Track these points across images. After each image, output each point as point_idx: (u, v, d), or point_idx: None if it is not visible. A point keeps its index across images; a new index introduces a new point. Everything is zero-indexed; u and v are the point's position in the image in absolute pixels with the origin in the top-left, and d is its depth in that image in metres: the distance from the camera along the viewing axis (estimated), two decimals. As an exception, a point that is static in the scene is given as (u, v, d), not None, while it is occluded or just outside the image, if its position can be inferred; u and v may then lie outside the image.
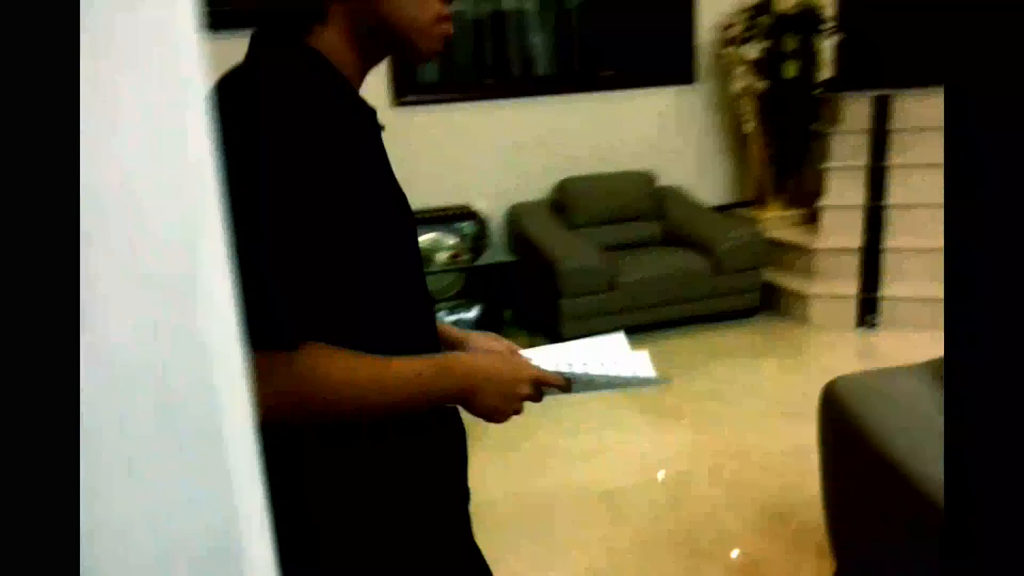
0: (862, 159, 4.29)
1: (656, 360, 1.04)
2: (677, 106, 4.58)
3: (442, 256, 3.83)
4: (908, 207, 4.01)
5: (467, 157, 4.26)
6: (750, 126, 4.42)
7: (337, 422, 0.84)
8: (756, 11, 4.17)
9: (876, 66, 5.10)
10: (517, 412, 0.93)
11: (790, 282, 4.10)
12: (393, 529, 0.90)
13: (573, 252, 3.70)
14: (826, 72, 4.59)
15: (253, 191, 0.72)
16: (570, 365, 1.01)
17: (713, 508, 2.43)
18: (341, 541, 0.88)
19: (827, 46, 4.43)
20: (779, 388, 3.32)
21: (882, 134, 4.29)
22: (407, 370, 0.84)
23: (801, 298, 3.97)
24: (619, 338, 1.09)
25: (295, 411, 0.79)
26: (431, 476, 0.95)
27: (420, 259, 0.97)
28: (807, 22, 4.18)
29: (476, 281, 4.13)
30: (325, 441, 0.85)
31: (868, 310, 3.79)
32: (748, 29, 4.18)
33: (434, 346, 0.96)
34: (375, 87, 3.75)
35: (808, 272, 4.13)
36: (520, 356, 1.00)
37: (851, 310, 3.84)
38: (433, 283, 3.99)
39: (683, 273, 3.85)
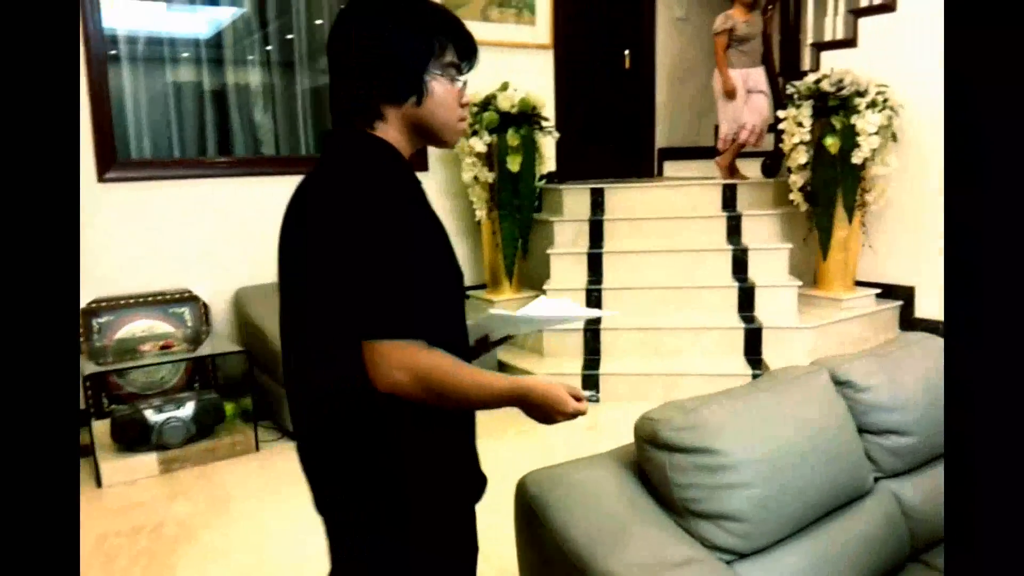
0: (583, 245, 4.64)
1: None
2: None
3: (148, 346, 3.47)
4: (620, 289, 4.38)
5: (187, 237, 3.96)
6: (481, 213, 4.61)
7: (429, 404, 1.15)
8: (481, 107, 4.41)
9: (590, 160, 5.61)
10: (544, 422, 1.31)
11: (521, 361, 4.26)
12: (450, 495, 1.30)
13: (301, 340, 3.53)
14: (548, 166, 4.95)
15: (375, 241, 1.09)
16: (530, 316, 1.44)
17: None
18: (425, 498, 1.23)
19: (549, 142, 4.79)
20: (513, 465, 3.37)
21: (598, 223, 4.68)
22: (492, 378, 1.20)
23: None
24: (545, 300, 1.50)
25: (424, 387, 1.12)
26: (470, 461, 1.39)
27: (463, 286, 1.35)
28: (528, 120, 4.49)
29: (200, 372, 3.80)
30: (416, 424, 1.19)
31: (590, 386, 4.02)
32: (474, 123, 4.39)
33: (465, 350, 1.32)
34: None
35: (538, 351, 4.33)
36: (569, 393, 1.30)
37: (576, 385, 4.05)
38: (142, 377, 3.60)
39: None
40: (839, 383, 1.77)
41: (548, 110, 4.99)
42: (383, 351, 1.10)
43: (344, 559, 1.32)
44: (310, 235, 1.18)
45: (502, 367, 4.26)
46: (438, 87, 1.22)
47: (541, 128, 4.60)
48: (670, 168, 6.11)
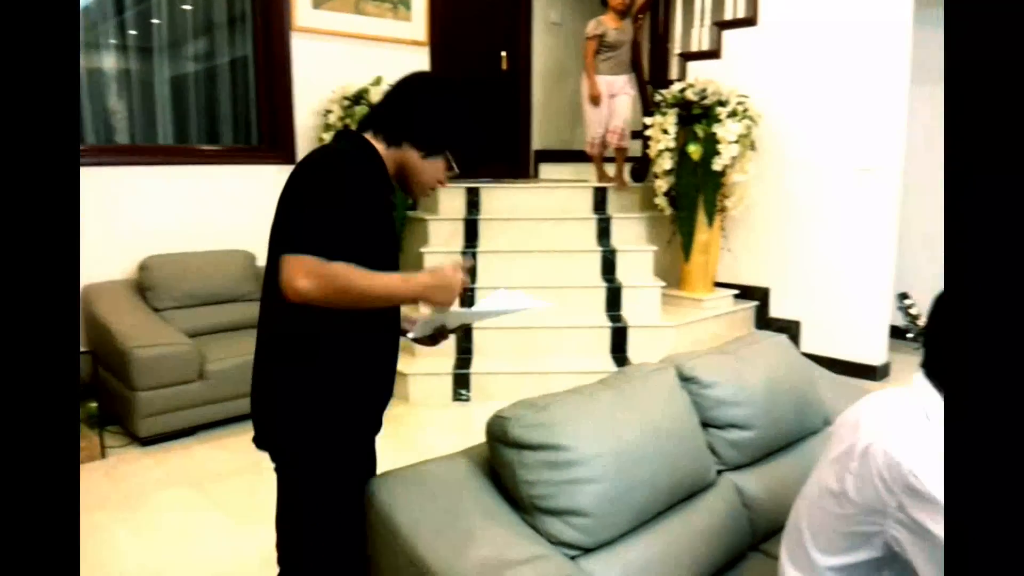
0: (457, 244, 4.62)
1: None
2: (278, 185, 4.49)
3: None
4: (494, 288, 4.38)
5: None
6: (352, 209, 4.50)
7: (346, 306, 1.38)
8: (353, 101, 4.30)
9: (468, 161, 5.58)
10: (449, 303, 1.51)
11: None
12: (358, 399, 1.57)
13: (150, 338, 3.33)
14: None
15: (333, 196, 1.39)
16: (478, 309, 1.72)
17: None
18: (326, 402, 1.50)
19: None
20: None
21: (473, 223, 4.67)
22: (391, 278, 1.43)
23: (403, 377, 4.07)
24: (501, 293, 1.71)
25: (328, 293, 1.33)
26: (383, 373, 1.66)
27: (397, 262, 1.59)
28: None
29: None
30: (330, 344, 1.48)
31: (462, 386, 4.01)
32: (345, 117, 4.28)
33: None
34: None
35: (410, 351, 4.27)
36: (455, 270, 1.50)
37: (447, 386, 4.03)
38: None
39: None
40: (685, 379, 1.83)
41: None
42: (289, 261, 1.34)
43: (282, 482, 1.57)
44: (286, 191, 1.47)
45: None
46: (439, 162, 1.60)
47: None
48: (546, 170, 6.20)
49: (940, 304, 1.29)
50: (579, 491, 1.44)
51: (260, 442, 1.55)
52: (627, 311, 4.44)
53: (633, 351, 4.26)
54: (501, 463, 1.50)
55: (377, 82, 4.38)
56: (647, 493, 1.55)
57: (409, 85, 1.60)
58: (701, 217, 4.64)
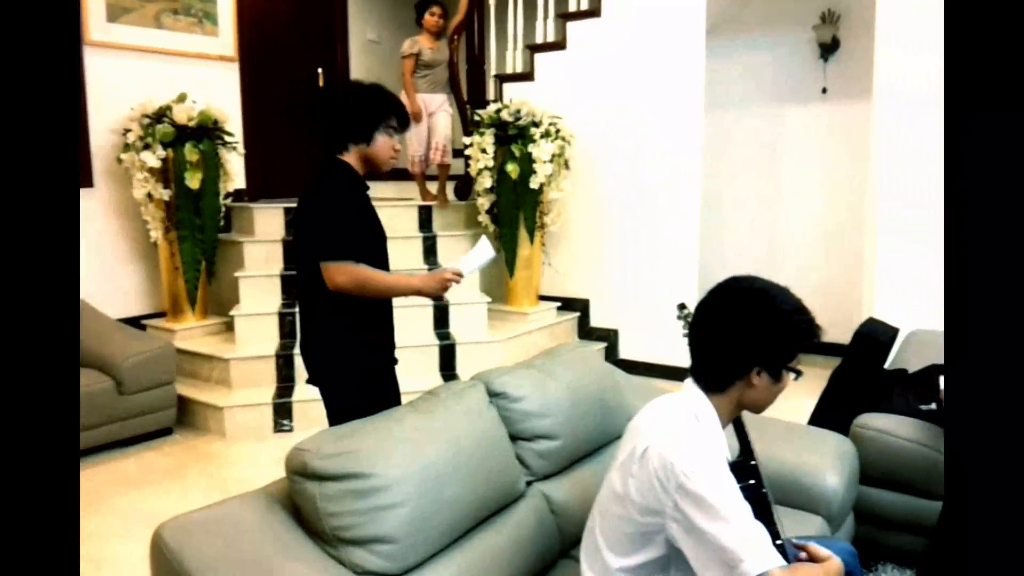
0: (276, 268, 4.45)
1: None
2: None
3: None
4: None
5: None
6: (157, 234, 4.23)
7: (368, 295, 2.15)
8: (155, 119, 4.05)
9: (283, 179, 5.42)
10: (441, 295, 2.33)
11: (208, 395, 3.95)
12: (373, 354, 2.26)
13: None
14: (235, 183, 4.69)
15: (338, 211, 2.11)
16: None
17: None
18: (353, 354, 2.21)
19: (235, 158, 4.53)
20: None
21: (292, 244, 4.52)
22: (398, 278, 2.24)
23: (218, 411, 3.85)
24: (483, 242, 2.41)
25: (358, 286, 2.10)
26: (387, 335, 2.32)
27: (386, 253, 2.30)
28: (209, 134, 4.21)
29: None
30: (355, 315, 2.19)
31: (284, 415, 3.85)
32: (145, 136, 4.02)
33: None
34: None
35: (226, 383, 4.05)
36: (441, 271, 2.27)
37: (267, 417, 3.86)
38: None
39: (83, 395, 3.39)
40: (495, 395, 1.86)
41: (234, 125, 4.73)
42: (329, 267, 2.09)
43: (331, 402, 2.26)
44: (303, 221, 2.18)
45: (183, 401, 3.92)
46: (380, 138, 2.19)
47: (224, 143, 4.35)
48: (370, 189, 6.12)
49: (701, 314, 1.40)
50: (383, 518, 1.42)
51: (313, 380, 2.27)
52: (455, 328, 4.47)
53: (462, 367, 4.29)
54: (302, 497, 1.45)
55: (181, 99, 4.14)
56: (455, 512, 1.56)
57: (332, 102, 2.28)
58: (523, 233, 4.76)
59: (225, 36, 4.95)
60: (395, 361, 2.35)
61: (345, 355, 2.18)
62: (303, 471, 1.44)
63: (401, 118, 2.22)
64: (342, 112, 2.17)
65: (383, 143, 2.17)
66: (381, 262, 2.25)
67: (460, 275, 2.27)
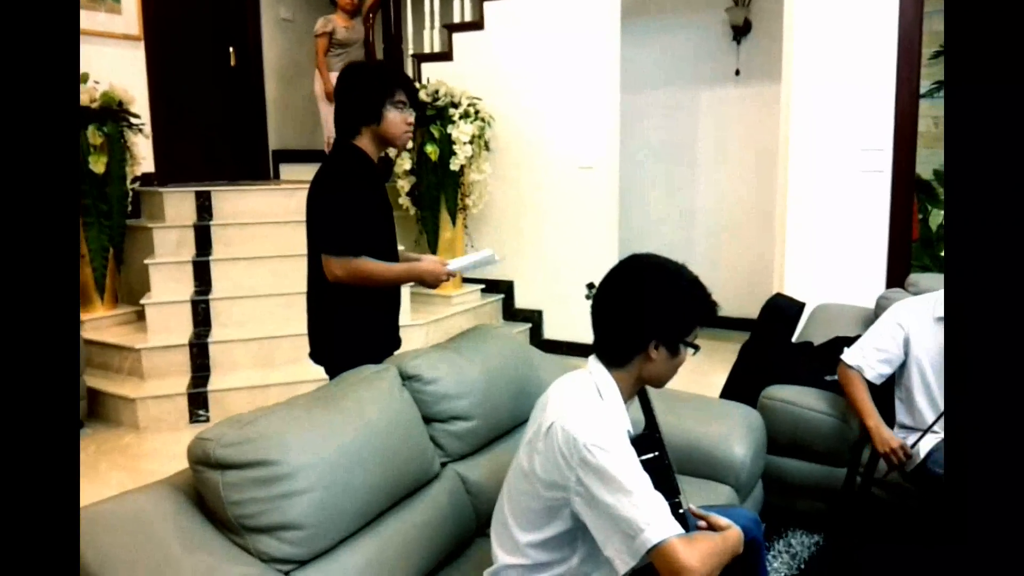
0: (188, 254, 4.30)
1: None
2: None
3: None
4: (232, 298, 4.16)
5: None
6: (59, 221, 4.03)
7: (368, 285, 2.15)
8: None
9: (195, 162, 5.25)
10: (435, 286, 2.27)
11: (119, 387, 3.81)
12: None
13: None
14: (144, 167, 4.52)
15: (339, 203, 2.11)
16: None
17: None
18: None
19: (142, 141, 4.36)
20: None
21: (205, 229, 4.38)
22: (393, 268, 2.20)
23: (130, 402, 3.72)
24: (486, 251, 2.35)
25: (355, 279, 2.11)
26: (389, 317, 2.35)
27: (394, 236, 2.32)
28: (114, 116, 4.03)
29: None
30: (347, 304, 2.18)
31: (199, 406, 3.75)
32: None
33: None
34: None
35: (138, 374, 3.92)
36: (439, 264, 2.24)
37: (182, 408, 3.75)
38: None
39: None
40: (408, 378, 1.86)
41: (141, 107, 4.54)
42: (329, 260, 2.10)
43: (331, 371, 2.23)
44: (308, 206, 2.18)
45: (93, 393, 3.78)
46: (390, 114, 2.15)
47: (131, 126, 4.17)
48: (287, 171, 5.99)
49: (602, 292, 1.42)
50: (290, 504, 1.40)
51: (315, 357, 2.31)
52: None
53: (383, 352, 4.25)
54: (205, 487, 1.42)
55: (83, 79, 3.95)
56: (366, 495, 1.55)
57: (340, 85, 2.20)
58: (444, 216, 4.74)
59: (129, 14, 4.74)
60: (398, 343, 2.36)
61: (346, 336, 2.18)
62: (205, 460, 1.41)
63: (410, 92, 2.18)
64: (347, 95, 2.15)
65: (393, 118, 2.14)
66: (385, 250, 2.22)
67: (452, 274, 2.25)
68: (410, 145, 4.54)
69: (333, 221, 2.09)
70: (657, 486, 1.32)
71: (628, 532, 1.23)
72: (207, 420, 3.74)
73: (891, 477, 2.29)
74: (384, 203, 2.26)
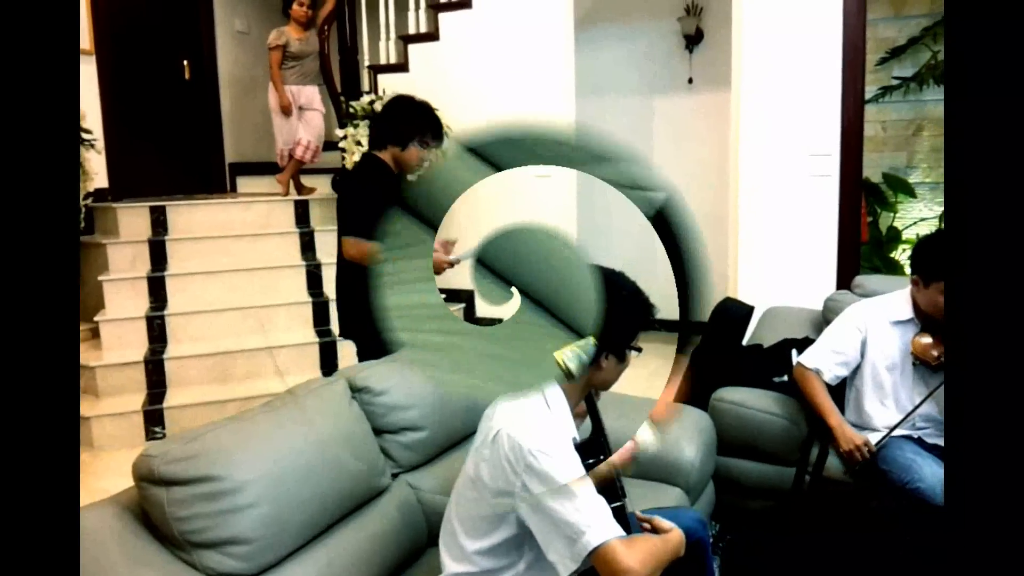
0: (143, 269, 4.25)
1: None
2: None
3: None
4: (188, 314, 4.12)
5: None
6: (8, 238, 3.96)
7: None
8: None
9: (150, 176, 5.19)
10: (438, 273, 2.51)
11: (72, 405, 3.75)
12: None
13: None
14: (97, 183, 4.46)
15: (352, 192, 2.63)
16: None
17: None
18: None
19: (94, 156, 4.30)
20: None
21: (160, 244, 4.33)
22: None
23: (85, 421, 3.65)
24: None
25: (363, 259, 2.45)
26: None
27: None
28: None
29: None
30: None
31: (155, 423, 3.71)
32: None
33: None
34: None
35: (93, 392, 3.85)
36: (440, 253, 2.53)
37: (138, 425, 3.70)
38: None
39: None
40: (357, 390, 1.87)
41: (93, 121, 4.49)
42: (344, 240, 2.52)
43: (362, 355, 2.58)
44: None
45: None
46: (413, 148, 2.59)
47: (82, 141, 4.11)
48: (244, 184, 5.94)
49: None
50: (236, 519, 1.41)
51: (345, 334, 2.67)
52: (336, 325, 4.40)
53: (344, 364, 4.24)
54: (150, 504, 1.42)
55: (29, 94, 3.89)
56: (314, 508, 1.56)
57: (386, 110, 2.68)
58: (402, 226, 4.74)
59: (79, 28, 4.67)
60: None
61: (368, 313, 2.49)
62: (150, 477, 1.41)
63: (437, 138, 2.64)
64: (388, 117, 2.64)
65: (414, 153, 2.59)
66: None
67: (453, 264, 2.56)
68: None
69: (345, 207, 2.57)
70: (601, 490, 1.35)
71: (570, 535, 1.26)
72: (163, 437, 3.69)
73: (839, 474, 2.35)
74: (398, 199, 2.58)
